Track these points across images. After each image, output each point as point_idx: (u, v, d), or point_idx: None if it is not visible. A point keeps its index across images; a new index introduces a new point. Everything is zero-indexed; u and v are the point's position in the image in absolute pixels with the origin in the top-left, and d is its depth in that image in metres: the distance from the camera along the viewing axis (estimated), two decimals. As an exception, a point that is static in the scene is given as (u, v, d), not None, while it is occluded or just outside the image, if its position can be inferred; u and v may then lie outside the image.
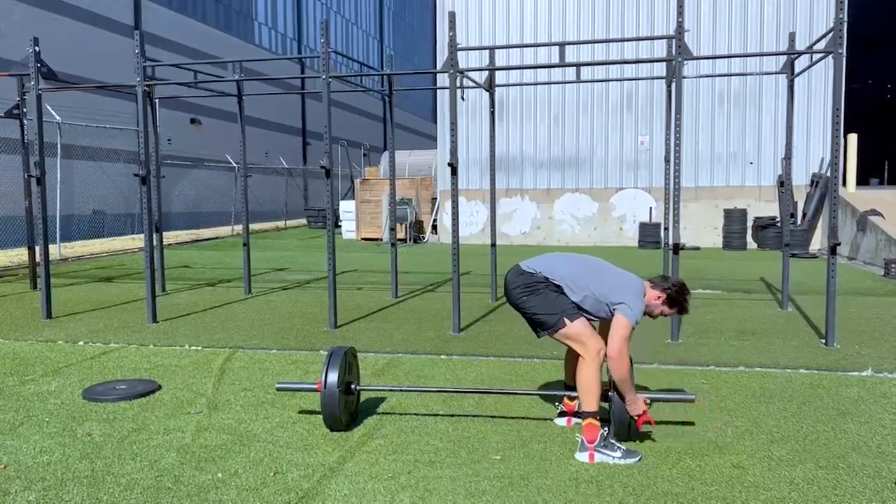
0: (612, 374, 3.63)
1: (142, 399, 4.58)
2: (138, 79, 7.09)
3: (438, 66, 9.35)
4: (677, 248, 6.19)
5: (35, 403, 4.51)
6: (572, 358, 3.97)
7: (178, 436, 3.91)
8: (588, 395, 3.64)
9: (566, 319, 3.69)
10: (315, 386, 3.98)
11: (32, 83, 7.30)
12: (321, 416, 3.97)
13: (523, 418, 4.17)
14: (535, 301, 3.77)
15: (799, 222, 14.99)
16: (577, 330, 3.70)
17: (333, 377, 3.85)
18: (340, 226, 19.83)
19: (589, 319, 3.80)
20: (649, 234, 15.68)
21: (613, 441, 3.58)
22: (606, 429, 3.60)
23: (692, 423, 4.03)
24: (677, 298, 3.82)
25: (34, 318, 7.44)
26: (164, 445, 3.76)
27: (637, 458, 3.50)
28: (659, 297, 3.83)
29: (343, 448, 3.71)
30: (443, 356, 5.73)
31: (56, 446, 3.75)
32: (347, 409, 4.00)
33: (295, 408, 4.37)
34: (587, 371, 3.65)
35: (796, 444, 3.74)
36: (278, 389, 4.20)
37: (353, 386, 4.08)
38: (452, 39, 6.43)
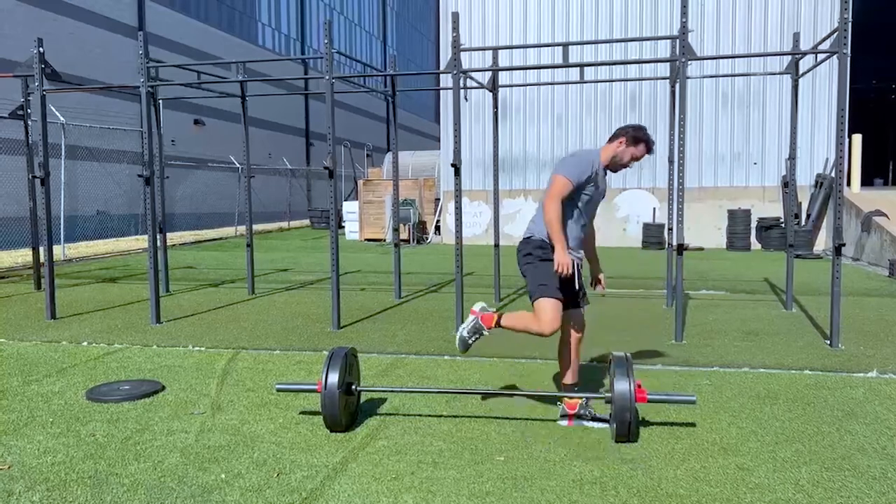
0: (545, 215, 3.89)
1: (145, 400, 4.58)
2: (142, 80, 7.11)
3: (441, 67, 9.36)
4: (681, 248, 6.18)
5: (39, 404, 4.51)
6: (565, 354, 4.14)
7: (182, 436, 3.91)
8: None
9: (543, 293, 3.88)
10: (315, 386, 3.98)
11: (36, 84, 7.31)
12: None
13: (526, 419, 4.16)
14: (529, 271, 4.01)
15: (803, 223, 14.95)
16: (546, 307, 3.86)
17: (334, 378, 3.86)
18: (343, 226, 19.84)
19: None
20: (653, 235, 15.66)
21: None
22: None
23: (694, 414, 4.02)
24: (637, 135, 3.96)
25: (38, 319, 7.45)
26: (168, 446, 3.76)
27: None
28: (620, 143, 3.97)
29: (346, 449, 3.71)
30: (446, 357, 5.72)
31: (60, 447, 3.76)
32: (348, 410, 4.00)
33: (298, 408, 4.37)
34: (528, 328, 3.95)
35: (801, 445, 3.73)
36: (278, 390, 4.21)
37: (353, 387, 4.08)
38: (456, 40, 6.42)
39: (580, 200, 3.97)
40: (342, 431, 3.95)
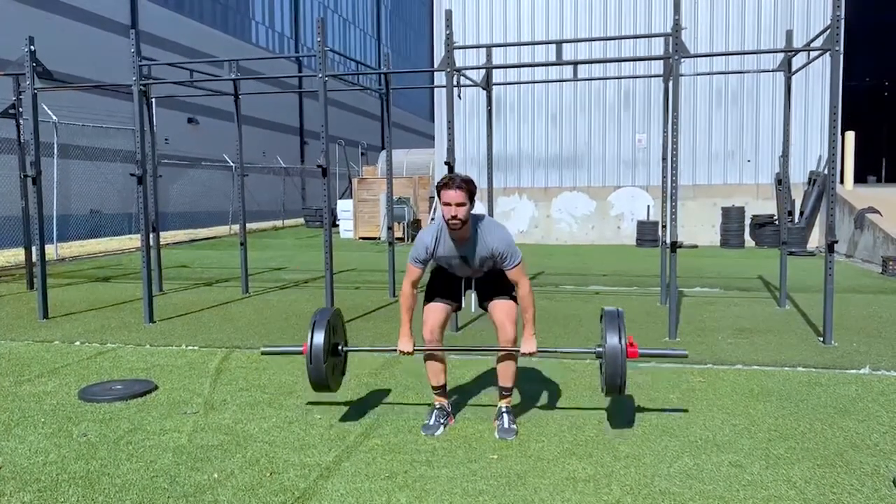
0: None
1: (138, 399, 4.56)
2: (134, 78, 7.07)
3: (435, 65, 9.34)
4: (675, 246, 6.18)
5: (31, 404, 4.49)
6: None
7: (175, 436, 3.89)
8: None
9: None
10: (300, 348, 3.93)
11: (28, 83, 7.27)
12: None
13: (520, 416, 4.15)
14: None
15: (797, 220, 14.99)
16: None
17: (319, 338, 3.80)
18: (338, 225, 19.81)
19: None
20: (647, 233, 15.67)
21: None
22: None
23: (688, 411, 4.03)
24: (438, 188, 3.79)
25: (30, 319, 7.42)
26: (160, 446, 3.75)
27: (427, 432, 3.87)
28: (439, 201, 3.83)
29: (340, 448, 3.70)
30: (440, 355, 5.71)
31: (52, 447, 3.74)
32: (335, 372, 3.97)
33: (292, 407, 4.36)
34: None
35: (794, 442, 3.73)
36: (263, 353, 4.25)
37: (340, 347, 4.02)
38: (449, 38, 6.41)
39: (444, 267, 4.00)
40: (329, 392, 3.97)
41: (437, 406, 4.04)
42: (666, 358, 3.98)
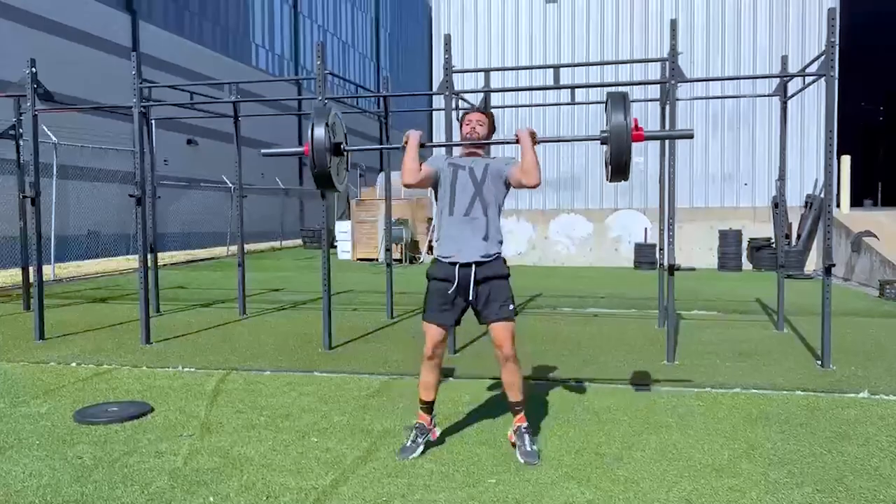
0: None
1: (134, 421, 4.53)
2: (135, 100, 7.11)
3: (434, 88, 9.42)
4: (672, 269, 6.20)
5: (25, 426, 4.46)
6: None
7: (170, 459, 3.86)
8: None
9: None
10: (303, 149, 3.92)
11: (29, 104, 7.31)
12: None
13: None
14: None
15: (794, 243, 15.03)
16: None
17: (320, 133, 3.78)
18: (336, 246, 19.81)
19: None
20: (645, 255, 15.69)
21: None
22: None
23: (686, 435, 4.01)
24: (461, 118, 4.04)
25: (26, 340, 7.38)
26: (156, 469, 3.72)
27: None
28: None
29: (337, 471, 3.67)
30: (438, 378, 5.69)
31: (46, 469, 3.71)
32: (339, 170, 4.00)
33: (289, 430, 4.34)
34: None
35: (794, 466, 3.71)
36: (263, 155, 4.29)
37: (342, 146, 4.00)
38: (448, 62, 6.48)
39: (442, 193, 3.97)
40: (334, 190, 4.05)
41: (417, 425, 3.96)
42: (672, 139, 3.88)
